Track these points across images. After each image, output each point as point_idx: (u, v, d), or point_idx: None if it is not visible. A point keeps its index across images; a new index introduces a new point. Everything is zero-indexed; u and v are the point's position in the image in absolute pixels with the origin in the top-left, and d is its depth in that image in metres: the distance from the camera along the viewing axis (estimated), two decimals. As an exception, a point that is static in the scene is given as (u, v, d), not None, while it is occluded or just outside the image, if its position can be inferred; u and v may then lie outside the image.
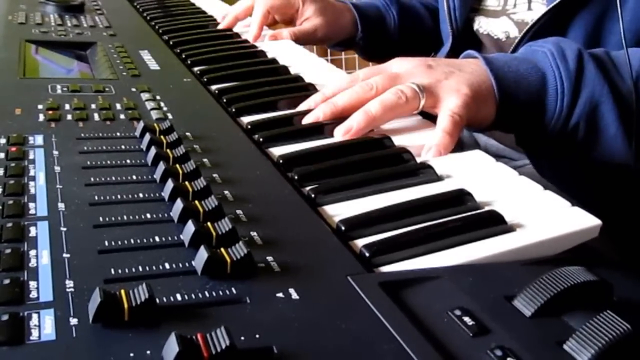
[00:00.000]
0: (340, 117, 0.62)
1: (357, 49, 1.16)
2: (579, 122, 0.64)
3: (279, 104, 0.70)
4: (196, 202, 0.44)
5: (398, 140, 0.60)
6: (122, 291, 0.33)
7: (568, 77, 0.63)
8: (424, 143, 0.59)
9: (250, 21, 1.04)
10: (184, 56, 0.87)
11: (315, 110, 0.64)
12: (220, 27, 1.06)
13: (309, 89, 0.75)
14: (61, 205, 0.43)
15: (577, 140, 0.65)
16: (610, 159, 0.67)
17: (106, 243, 0.39)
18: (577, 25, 0.78)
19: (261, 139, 0.60)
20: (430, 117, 0.66)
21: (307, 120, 0.64)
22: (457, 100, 0.61)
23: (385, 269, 0.41)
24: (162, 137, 0.55)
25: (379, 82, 0.63)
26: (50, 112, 0.60)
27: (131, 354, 0.30)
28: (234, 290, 0.36)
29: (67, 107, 0.62)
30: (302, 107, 0.68)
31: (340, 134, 0.61)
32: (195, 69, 0.82)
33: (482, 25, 0.93)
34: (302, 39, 1.03)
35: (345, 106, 0.63)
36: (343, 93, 0.64)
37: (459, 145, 0.61)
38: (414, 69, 0.64)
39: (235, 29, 1.06)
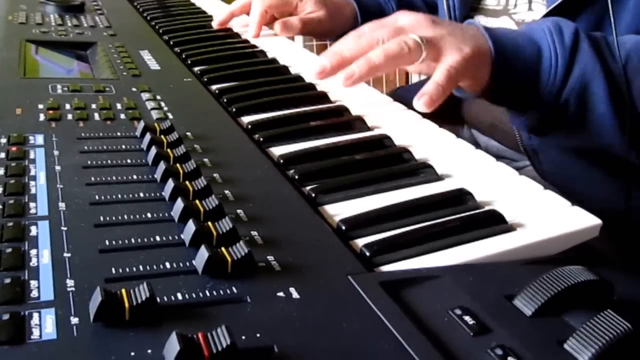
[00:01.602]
0: (345, 66, 0.63)
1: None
2: (570, 97, 0.65)
3: (279, 103, 0.70)
4: (197, 201, 0.44)
5: (398, 140, 0.60)
6: (123, 290, 0.33)
7: (563, 52, 0.64)
8: (424, 143, 0.59)
9: (248, 20, 1.03)
10: (184, 56, 0.87)
11: (321, 59, 0.65)
12: (214, 22, 1.05)
13: (309, 89, 0.75)
14: (62, 205, 0.43)
15: (567, 115, 0.66)
16: (599, 139, 0.67)
17: (107, 242, 0.39)
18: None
19: (261, 139, 0.60)
20: (431, 118, 0.66)
21: (313, 70, 0.64)
22: (457, 57, 0.62)
23: (386, 268, 0.41)
24: (162, 136, 0.55)
25: (384, 34, 0.64)
26: (50, 111, 0.60)
27: (132, 353, 0.30)
28: (234, 290, 0.36)
29: (67, 106, 0.62)
30: (312, 69, 0.67)
31: (343, 80, 0.61)
32: (196, 68, 0.82)
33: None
34: (310, 27, 1.03)
35: (352, 56, 0.64)
36: (349, 44, 0.65)
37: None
38: (419, 22, 0.65)
39: (235, 30, 1.06)
